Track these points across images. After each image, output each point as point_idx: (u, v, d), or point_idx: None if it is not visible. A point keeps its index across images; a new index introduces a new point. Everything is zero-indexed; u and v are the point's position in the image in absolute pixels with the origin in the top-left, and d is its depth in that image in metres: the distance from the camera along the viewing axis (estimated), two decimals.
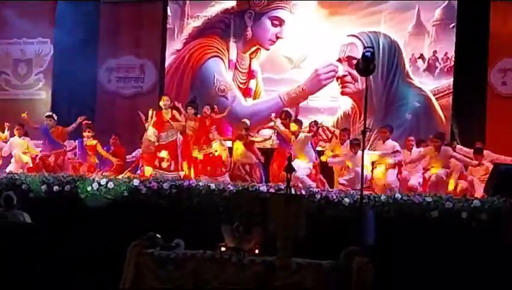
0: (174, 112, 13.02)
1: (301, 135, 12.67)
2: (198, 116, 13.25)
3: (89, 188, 11.55)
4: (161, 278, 5.81)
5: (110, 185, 11.52)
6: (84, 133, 13.65)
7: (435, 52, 15.23)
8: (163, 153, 12.97)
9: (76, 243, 6.95)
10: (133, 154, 14.32)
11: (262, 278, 5.64)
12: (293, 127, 12.68)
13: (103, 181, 11.61)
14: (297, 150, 12.59)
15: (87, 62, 16.28)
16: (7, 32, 17.11)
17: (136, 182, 11.63)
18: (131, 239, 6.01)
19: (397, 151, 12.68)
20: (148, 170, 13.09)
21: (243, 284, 5.65)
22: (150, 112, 13.06)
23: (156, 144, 12.98)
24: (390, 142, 12.86)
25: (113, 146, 14.19)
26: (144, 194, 11.51)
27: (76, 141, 13.67)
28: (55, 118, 13.68)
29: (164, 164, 12.94)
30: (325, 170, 13.38)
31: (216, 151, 13.09)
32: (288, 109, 13.74)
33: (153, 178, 12.16)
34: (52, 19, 16.82)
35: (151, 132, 13.18)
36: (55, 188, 11.73)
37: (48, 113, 13.84)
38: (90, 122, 13.90)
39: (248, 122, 13.53)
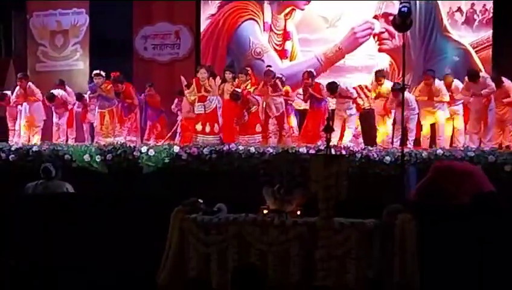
0: (211, 80, 13.09)
1: None
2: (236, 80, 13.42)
3: (130, 157, 11.70)
4: (205, 242, 5.85)
5: (151, 152, 11.66)
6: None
7: (472, 4, 14.97)
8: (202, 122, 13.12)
9: (119, 210, 7.01)
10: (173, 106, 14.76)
11: (305, 239, 5.65)
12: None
13: (144, 149, 11.75)
14: None
15: (122, 31, 16.35)
16: (43, 5, 17.21)
17: (176, 148, 11.76)
18: (174, 205, 6.05)
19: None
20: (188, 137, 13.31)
21: (286, 246, 5.67)
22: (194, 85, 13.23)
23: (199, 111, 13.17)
24: (437, 87, 12.83)
25: (148, 97, 14.43)
26: (185, 160, 11.64)
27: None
28: (103, 74, 13.81)
29: (207, 128, 13.04)
30: None
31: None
32: (311, 69, 13.82)
33: (193, 143, 12.29)
34: None
35: (193, 98, 13.31)
36: (98, 157, 11.90)
37: (96, 71, 13.96)
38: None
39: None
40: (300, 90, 14.33)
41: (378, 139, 13.24)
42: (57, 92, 14.68)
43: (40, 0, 17.37)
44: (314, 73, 13.87)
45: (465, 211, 6.90)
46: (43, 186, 8.80)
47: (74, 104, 14.95)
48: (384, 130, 13.28)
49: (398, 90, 12.11)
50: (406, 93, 11.98)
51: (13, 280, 3.81)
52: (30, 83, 14.49)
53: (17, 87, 14.51)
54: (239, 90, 13.17)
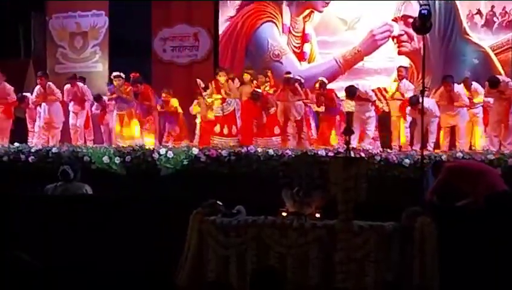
0: (230, 83, 13.09)
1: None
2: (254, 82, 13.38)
3: (148, 159, 11.72)
4: (224, 244, 5.86)
5: (170, 154, 11.67)
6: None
7: (492, 7, 14.87)
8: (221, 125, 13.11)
9: (138, 211, 7.04)
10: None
11: (325, 241, 5.64)
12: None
13: (163, 151, 11.77)
14: None
15: (141, 33, 16.41)
16: (62, 6, 17.28)
17: (195, 150, 11.77)
18: (193, 207, 6.06)
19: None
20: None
21: (305, 249, 5.67)
22: (210, 87, 13.20)
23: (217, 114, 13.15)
24: (456, 93, 12.76)
25: (165, 103, 14.42)
26: (204, 162, 11.64)
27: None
28: (123, 76, 13.86)
29: (225, 131, 13.03)
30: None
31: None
32: (323, 79, 13.80)
33: (212, 145, 12.30)
34: None
35: (209, 100, 13.31)
36: (116, 159, 11.94)
37: (115, 73, 14.02)
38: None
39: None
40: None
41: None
42: (78, 82, 14.78)
43: (59, 1, 17.42)
44: (326, 82, 13.82)
45: (481, 212, 6.89)
46: (62, 188, 8.85)
47: (92, 105, 14.97)
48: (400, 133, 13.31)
49: (415, 103, 12.05)
50: (427, 101, 11.90)
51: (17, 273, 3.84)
52: (50, 83, 14.52)
53: (37, 87, 14.54)
54: (259, 90, 13.17)
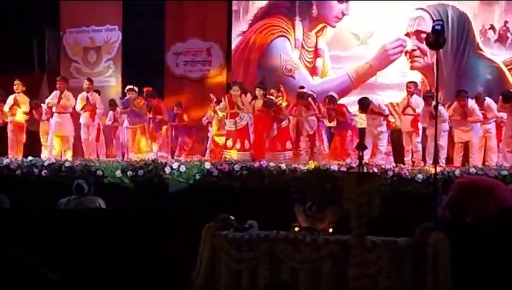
0: (243, 97, 13.10)
1: None
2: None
3: (161, 173, 11.73)
4: (236, 259, 5.85)
5: (182, 168, 11.68)
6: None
7: (506, 22, 14.88)
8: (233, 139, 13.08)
9: (150, 225, 7.04)
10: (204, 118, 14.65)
11: (338, 257, 5.62)
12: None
13: (175, 165, 11.78)
14: None
15: (154, 47, 16.49)
16: (76, 21, 17.39)
17: (207, 164, 11.77)
18: (205, 221, 6.06)
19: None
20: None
21: (318, 264, 5.65)
22: (223, 101, 13.20)
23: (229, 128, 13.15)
24: (470, 108, 12.76)
25: (177, 117, 14.46)
26: (216, 177, 11.63)
27: None
28: (136, 90, 13.87)
29: (237, 145, 13.00)
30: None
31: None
32: (333, 93, 13.79)
33: (224, 160, 12.29)
34: (119, 6, 17.02)
35: (221, 114, 13.32)
36: (129, 173, 11.96)
37: (129, 86, 14.04)
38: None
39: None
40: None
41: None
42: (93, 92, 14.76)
43: (73, 16, 17.51)
44: (336, 96, 13.82)
45: (493, 228, 6.86)
46: (76, 201, 8.87)
47: (106, 116, 14.94)
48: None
49: (429, 97, 12.08)
50: (439, 108, 11.90)
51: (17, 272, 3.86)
52: (69, 92, 14.43)
53: (54, 92, 14.44)
54: (272, 97, 13.18)
